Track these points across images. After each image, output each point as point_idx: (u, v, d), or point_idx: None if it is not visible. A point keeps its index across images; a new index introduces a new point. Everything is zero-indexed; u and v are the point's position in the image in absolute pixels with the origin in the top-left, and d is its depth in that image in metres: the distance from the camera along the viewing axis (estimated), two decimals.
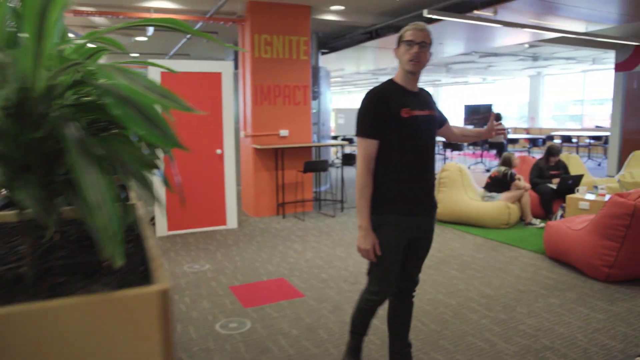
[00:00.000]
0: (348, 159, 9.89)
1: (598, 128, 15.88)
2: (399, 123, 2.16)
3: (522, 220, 6.13)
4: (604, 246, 3.98)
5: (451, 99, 24.21)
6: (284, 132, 6.89)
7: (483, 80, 20.73)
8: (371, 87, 2.28)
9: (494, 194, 6.11)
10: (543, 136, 14.03)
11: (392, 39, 8.23)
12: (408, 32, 2.18)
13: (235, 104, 7.67)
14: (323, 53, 9.50)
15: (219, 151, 6.10)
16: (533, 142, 13.17)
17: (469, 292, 3.87)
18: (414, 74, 2.23)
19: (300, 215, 6.94)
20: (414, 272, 2.44)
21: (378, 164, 2.22)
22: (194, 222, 6.16)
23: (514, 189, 6.02)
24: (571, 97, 18.27)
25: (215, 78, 6.06)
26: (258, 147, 6.64)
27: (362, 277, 4.23)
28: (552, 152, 6.50)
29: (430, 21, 6.83)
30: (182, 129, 5.89)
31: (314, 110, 8.46)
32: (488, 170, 11.87)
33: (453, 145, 12.36)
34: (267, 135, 6.82)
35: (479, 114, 19.09)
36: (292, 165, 6.99)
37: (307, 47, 6.93)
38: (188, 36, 8.27)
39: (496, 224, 5.87)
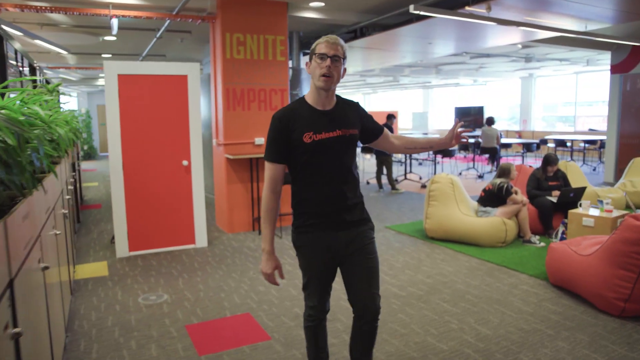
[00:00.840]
0: None
1: (592, 131, 15.46)
2: (303, 148, 2.11)
3: (520, 237, 5.60)
4: (618, 276, 3.44)
5: (442, 100, 23.75)
6: (259, 140, 6.29)
7: (474, 82, 20.25)
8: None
9: (488, 208, 5.56)
10: (537, 140, 13.55)
11: (379, 38, 7.67)
12: (320, 45, 2.08)
13: (209, 110, 7.07)
14: (305, 53, 8.91)
15: (185, 162, 5.50)
16: (527, 147, 12.66)
17: (463, 332, 3.31)
18: (326, 91, 2.11)
19: (277, 230, 6.36)
20: (359, 294, 2.21)
21: (293, 185, 2.24)
22: (160, 242, 5.55)
23: (510, 203, 5.48)
24: (562, 99, 17.85)
25: (181, 81, 5.46)
26: (231, 157, 6.04)
27: (339, 311, 3.66)
28: (549, 161, 5.97)
29: (418, 18, 6.29)
30: (143, 139, 5.29)
31: None
32: (480, 177, 11.36)
33: (443, 150, 11.80)
34: (240, 144, 6.22)
35: (470, 116, 18.69)
36: None
37: (284, 47, 6.34)
38: (158, 35, 7.65)
39: (492, 242, 5.32)
